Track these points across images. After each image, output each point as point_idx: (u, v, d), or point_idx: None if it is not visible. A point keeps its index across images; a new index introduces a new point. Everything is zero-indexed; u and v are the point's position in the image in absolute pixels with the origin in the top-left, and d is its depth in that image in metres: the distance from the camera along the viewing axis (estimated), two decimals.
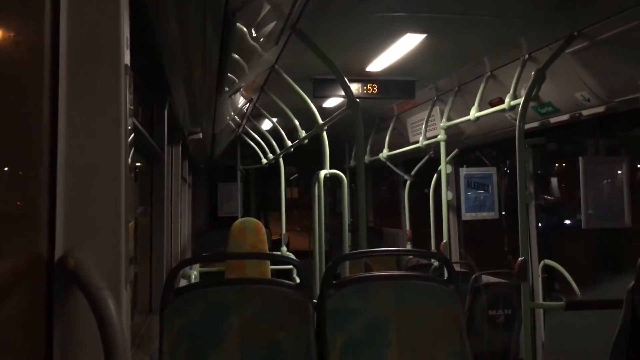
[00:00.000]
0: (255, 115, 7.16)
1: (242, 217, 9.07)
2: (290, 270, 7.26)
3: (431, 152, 6.72)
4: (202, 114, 4.90)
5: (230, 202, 11.34)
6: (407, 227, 8.12)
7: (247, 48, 3.19)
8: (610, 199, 4.31)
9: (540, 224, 5.07)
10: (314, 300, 2.77)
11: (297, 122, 5.70)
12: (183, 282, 5.85)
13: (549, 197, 6.28)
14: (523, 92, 4.16)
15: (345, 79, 4.07)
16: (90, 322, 1.23)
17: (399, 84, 5.32)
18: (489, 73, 4.83)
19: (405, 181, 7.76)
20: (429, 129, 6.24)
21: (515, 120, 4.12)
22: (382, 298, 2.73)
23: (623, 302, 3.08)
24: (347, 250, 4.55)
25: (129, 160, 1.43)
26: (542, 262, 5.20)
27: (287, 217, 8.16)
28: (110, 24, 1.34)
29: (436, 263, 5.96)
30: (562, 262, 5.00)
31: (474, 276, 5.28)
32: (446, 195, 5.97)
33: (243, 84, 4.67)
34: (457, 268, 6.37)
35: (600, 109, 4.12)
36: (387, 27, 3.89)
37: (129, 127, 1.43)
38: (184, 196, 7.96)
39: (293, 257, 7.00)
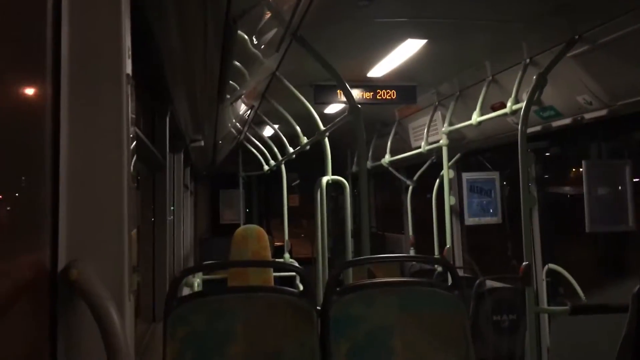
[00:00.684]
0: (257, 122, 7.17)
1: (244, 224, 9.07)
2: (293, 277, 7.24)
3: (433, 157, 6.71)
4: (203, 121, 4.91)
5: (233, 209, 11.34)
6: (410, 233, 8.10)
7: (248, 55, 3.19)
8: (613, 203, 4.29)
9: None
10: (318, 307, 2.75)
11: (298, 129, 5.70)
12: (186, 290, 5.83)
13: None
14: (525, 96, 4.16)
15: (347, 84, 4.07)
16: (94, 332, 1.22)
17: (400, 89, 5.32)
18: (491, 77, 4.83)
19: (408, 186, 7.75)
20: (430, 133, 6.23)
21: (517, 124, 4.12)
22: (386, 305, 2.72)
23: (629, 307, 3.07)
24: (350, 256, 4.53)
25: (131, 169, 1.42)
26: (546, 267, 5.18)
27: (291, 224, 8.15)
28: (111, 34, 1.34)
29: (440, 268, 5.94)
30: (566, 266, 4.98)
31: (478, 281, 5.26)
32: (449, 200, 5.96)
33: (244, 91, 4.67)
34: (460, 273, 6.36)
35: (603, 113, 4.11)
36: (387, 33, 3.90)
37: (131, 136, 1.42)
38: (186, 204, 7.96)
39: (296, 263, 6.99)
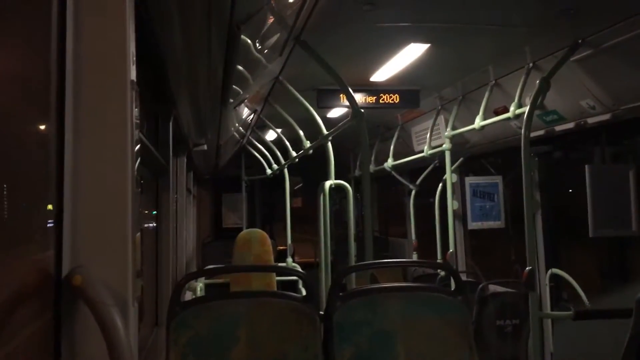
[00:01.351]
0: (260, 126, 7.18)
1: (247, 227, 9.07)
2: (296, 281, 7.23)
3: (436, 161, 6.71)
4: (206, 125, 4.91)
5: (235, 212, 11.34)
6: (413, 237, 8.09)
7: (251, 60, 3.20)
8: (617, 207, 4.28)
9: None
10: (321, 312, 2.75)
11: (301, 133, 5.71)
12: (188, 294, 5.83)
13: None
14: (528, 101, 4.15)
15: (350, 89, 4.07)
16: (97, 338, 1.22)
17: (403, 94, 5.32)
18: (494, 82, 4.83)
19: (411, 190, 7.75)
20: (433, 138, 6.23)
21: (521, 128, 4.11)
22: (390, 310, 2.71)
23: (632, 312, 3.06)
24: (353, 260, 4.53)
25: (136, 175, 1.42)
26: (549, 271, 5.17)
27: (294, 227, 8.14)
28: (116, 41, 1.34)
29: (443, 273, 5.93)
30: (569, 271, 4.97)
31: (481, 286, 5.25)
32: (452, 204, 5.95)
33: (247, 95, 4.68)
34: (463, 278, 6.34)
35: (606, 117, 4.10)
36: (391, 37, 3.90)
37: (136, 142, 1.42)
38: (189, 207, 7.96)
39: (299, 268, 6.98)
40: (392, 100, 5.31)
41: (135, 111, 1.41)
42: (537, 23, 3.59)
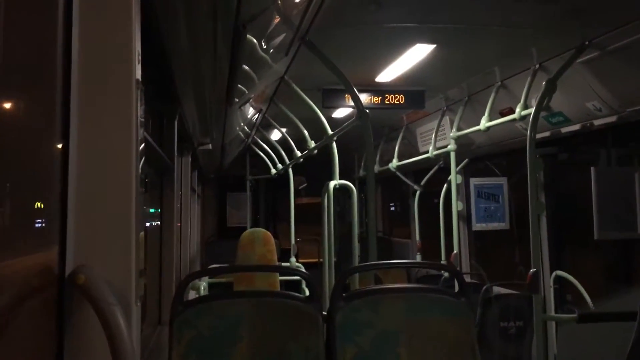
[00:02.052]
0: (265, 126, 7.18)
1: (251, 227, 9.07)
2: (299, 281, 7.23)
3: (441, 162, 6.69)
4: (212, 124, 4.91)
5: (240, 212, 11.34)
6: (417, 238, 8.08)
7: (257, 59, 3.20)
8: (622, 210, 4.27)
9: None
10: (324, 312, 2.75)
11: (306, 133, 5.70)
12: (192, 293, 5.84)
13: None
14: (534, 102, 4.14)
15: (355, 89, 4.06)
16: (100, 337, 1.22)
17: (409, 94, 5.31)
18: (499, 83, 4.82)
19: (415, 191, 7.73)
20: (438, 138, 6.22)
21: (526, 130, 4.10)
22: (392, 310, 2.71)
23: (637, 315, 3.05)
24: (356, 260, 4.52)
25: (140, 174, 1.42)
26: (554, 274, 5.15)
27: (300, 226, 8.15)
28: (122, 40, 1.34)
29: (446, 274, 5.92)
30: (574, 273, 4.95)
31: (485, 287, 5.23)
32: (456, 205, 5.94)
33: (253, 95, 4.68)
34: (467, 279, 6.33)
35: (612, 119, 4.09)
36: (396, 38, 3.89)
37: (141, 141, 1.42)
38: (193, 206, 7.98)
39: (302, 267, 6.98)
40: (398, 100, 5.30)
41: (141, 110, 1.42)
42: (544, 24, 3.58)
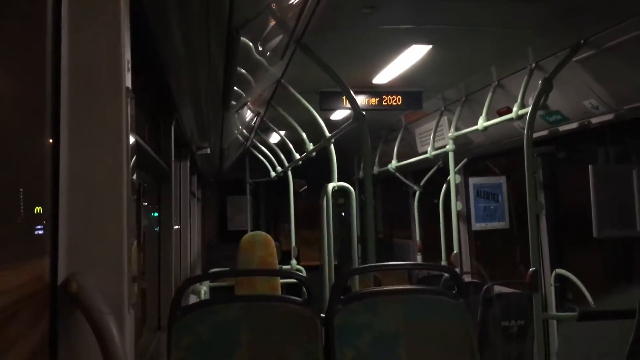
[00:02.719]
0: (263, 129, 7.18)
1: (252, 230, 9.07)
2: (302, 284, 7.22)
3: (440, 162, 6.69)
4: (209, 129, 4.92)
5: (240, 215, 11.35)
6: (417, 238, 8.07)
7: (253, 63, 3.20)
8: (621, 207, 4.26)
9: None
10: (322, 315, 2.75)
11: (304, 135, 5.70)
12: (193, 298, 5.84)
13: None
14: (531, 101, 4.14)
15: (352, 91, 4.06)
16: (93, 345, 1.22)
17: (406, 95, 5.31)
18: (496, 82, 4.82)
19: (415, 192, 7.73)
20: (437, 139, 6.22)
21: (524, 129, 4.10)
22: (392, 313, 2.71)
23: (637, 312, 3.04)
24: (356, 262, 4.52)
25: (132, 181, 1.42)
26: (554, 272, 5.15)
27: (302, 228, 8.14)
28: (111, 48, 1.34)
29: (445, 273, 5.91)
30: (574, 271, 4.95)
31: (485, 287, 5.23)
32: (455, 205, 5.94)
33: (250, 99, 4.68)
34: (468, 279, 6.32)
35: (609, 117, 4.09)
36: (392, 39, 3.89)
37: (132, 149, 1.42)
38: (193, 211, 7.98)
39: (303, 270, 6.98)
40: (395, 102, 5.30)
41: (131, 118, 1.42)
42: (539, 23, 3.57)
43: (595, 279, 5.30)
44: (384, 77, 4.83)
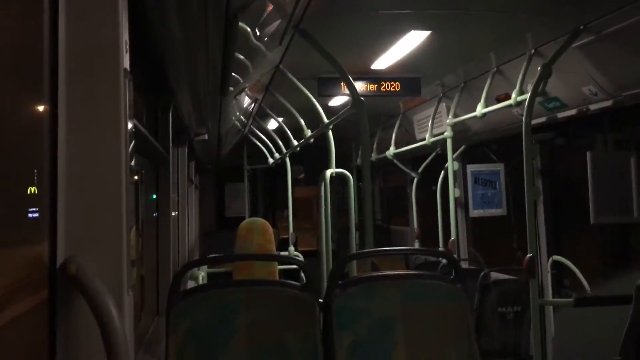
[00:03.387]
0: (261, 115, 7.16)
1: (249, 216, 9.08)
2: (298, 270, 7.24)
3: (438, 149, 6.69)
4: (207, 115, 4.90)
5: (238, 202, 11.35)
6: (415, 225, 8.09)
7: (251, 48, 3.18)
8: (619, 194, 4.27)
9: None
10: (321, 300, 2.75)
11: (302, 122, 5.69)
12: (191, 283, 5.86)
13: None
14: (530, 88, 4.13)
15: (350, 77, 4.05)
16: (92, 327, 1.23)
17: (405, 81, 5.29)
18: (495, 69, 4.80)
19: (413, 179, 7.74)
20: (435, 125, 6.21)
21: (522, 115, 4.09)
22: (389, 297, 2.72)
23: (632, 298, 3.06)
24: (354, 248, 4.54)
25: (130, 165, 1.42)
26: (551, 258, 5.17)
27: (300, 215, 8.16)
28: (109, 29, 1.34)
29: (445, 260, 5.93)
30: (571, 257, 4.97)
31: (483, 273, 5.25)
32: (453, 192, 5.94)
33: (248, 84, 4.66)
34: (465, 265, 6.35)
35: (608, 103, 4.08)
36: (391, 25, 3.87)
37: (130, 132, 1.42)
38: (191, 197, 7.97)
39: (300, 256, 6.99)
40: (394, 88, 5.29)
41: (129, 99, 1.41)
42: (539, 9, 3.56)
43: (592, 265, 5.33)
44: (382, 63, 4.81)
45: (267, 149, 8.81)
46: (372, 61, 4.79)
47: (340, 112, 4.41)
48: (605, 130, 4.67)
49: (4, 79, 1.17)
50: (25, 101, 1.29)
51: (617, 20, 3.47)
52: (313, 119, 5.07)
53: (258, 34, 3.04)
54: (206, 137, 6.00)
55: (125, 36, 1.38)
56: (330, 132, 4.70)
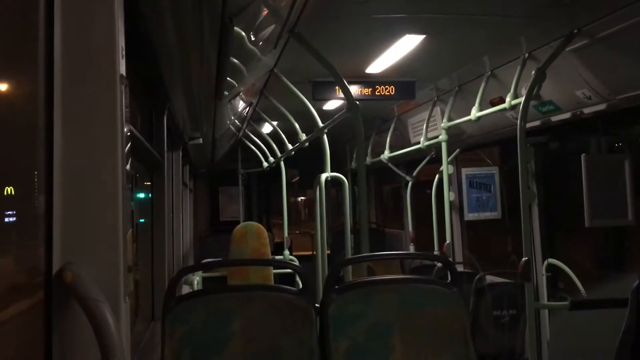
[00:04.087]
0: (256, 119, 7.16)
1: (244, 220, 9.06)
2: (293, 274, 7.23)
3: (433, 153, 6.70)
4: (202, 119, 4.89)
5: (232, 206, 11.33)
6: (410, 228, 8.09)
7: (245, 52, 3.18)
8: (613, 197, 4.28)
9: None
10: (317, 305, 2.75)
11: (297, 126, 5.69)
12: (186, 288, 5.83)
13: None
14: (524, 91, 4.14)
15: (345, 81, 4.05)
16: (89, 335, 1.21)
17: (399, 85, 5.30)
18: (489, 72, 4.81)
19: (408, 182, 7.74)
20: (430, 129, 6.22)
21: (517, 119, 4.10)
22: (385, 302, 2.71)
23: (628, 301, 3.07)
24: (349, 252, 4.53)
25: (126, 170, 1.41)
26: (546, 262, 5.17)
27: (295, 219, 8.15)
28: (105, 35, 1.33)
29: (440, 264, 5.94)
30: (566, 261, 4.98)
31: (478, 276, 5.25)
32: (448, 195, 5.95)
33: (242, 88, 4.66)
34: (460, 268, 6.35)
35: (602, 107, 4.10)
36: (385, 29, 3.88)
37: (126, 137, 1.41)
38: (185, 201, 7.95)
39: (296, 260, 6.98)
40: (388, 92, 5.29)
41: (125, 105, 1.40)
42: (533, 13, 3.57)
43: (587, 268, 5.34)
44: (377, 67, 4.81)
45: (261, 153, 8.80)
46: (366, 65, 4.80)
47: (336, 116, 4.41)
48: (599, 133, 4.69)
49: (0, 86, 1.16)
50: (21, 107, 1.28)
51: (610, 24, 3.48)
52: (308, 123, 5.07)
53: (253, 38, 3.04)
54: (201, 141, 5.99)
55: (121, 42, 1.37)
56: (325, 136, 4.70)
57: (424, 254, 7.14)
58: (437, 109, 6.00)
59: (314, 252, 5.33)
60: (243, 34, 2.80)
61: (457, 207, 6.76)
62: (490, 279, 5.40)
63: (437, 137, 5.96)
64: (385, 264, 7.13)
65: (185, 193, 8.11)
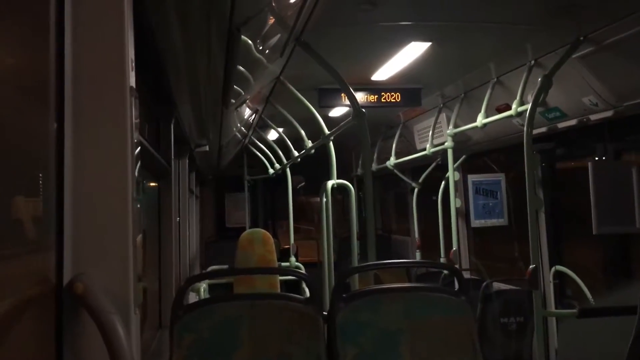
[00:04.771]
0: (262, 126, 7.17)
1: (250, 227, 9.07)
2: (300, 281, 7.22)
3: (438, 159, 6.69)
4: (208, 126, 4.91)
5: (238, 212, 11.34)
6: (416, 235, 8.08)
7: (252, 60, 3.19)
8: (621, 204, 4.26)
9: None
10: (324, 313, 2.74)
11: (303, 132, 5.70)
12: (192, 295, 5.84)
13: None
14: (530, 98, 4.14)
15: (351, 88, 4.06)
16: (100, 347, 1.22)
17: (405, 92, 5.30)
18: (495, 79, 4.81)
19: (413, 189, 7.74)
20: (435, 136, 6.22)
21: (523, 126, 4.10)
22: (393, 310, 2.71)
23: (637, 309, 3.05)
24: (355, 259, 4.52)
25: (136, 180, 1.42)
26: (553, 269, 5.15)
27: (301, 226, 8.15)
28: (115, 47, 1.34)
29: (446, 271, 5.92)
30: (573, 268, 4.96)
31: (485, 283, 5.23)
32: (454, 202, 5.94)
33: (249, 96, 4.67)
34: (467, 275, 6.34)
35: (609, 114, 4.09)
36: (391, 36, 3.88)
37: (136, 149, 1.42)
38: (191, 208, 7.97)
39: (302, 267, 6.97)
40: (394, 99, 5.29)
41: (135, 117, 1.41)
42: (539, 20, 3.57)
43: (595, 275, 5.31)
44: (383, 74, 4.82)
45: (267, 160, 8.82)
46: (372, 72, 4.80)
47: (342, 124, 4.42)
48: (606, 140, 4.67)
49: (12, 98, 1.17)
50: (32, 119, 1.29)
51: (617, 31, 3.48)
52: (313, 130, 5.07)
53: (260, 47, 3.05)
54: (207, 148, 6.01)
55: (131, 54, 1.38)
56: (331, 143, 4.70)
57: (432, 262, 7.12)
58: (443, 116, 6.00)
59: (320, 259, 5.33)
60: (250, 42, 2.82)
61: (463, 213, 6.74)
62: (497, 286, 5.38)
63: (443, 143, 5.96)
64: (391, 271, 7.11)
65: (192, 200, 8.13)
